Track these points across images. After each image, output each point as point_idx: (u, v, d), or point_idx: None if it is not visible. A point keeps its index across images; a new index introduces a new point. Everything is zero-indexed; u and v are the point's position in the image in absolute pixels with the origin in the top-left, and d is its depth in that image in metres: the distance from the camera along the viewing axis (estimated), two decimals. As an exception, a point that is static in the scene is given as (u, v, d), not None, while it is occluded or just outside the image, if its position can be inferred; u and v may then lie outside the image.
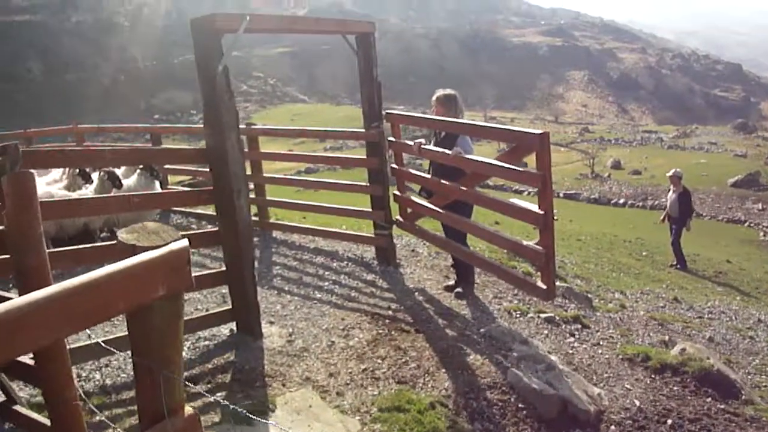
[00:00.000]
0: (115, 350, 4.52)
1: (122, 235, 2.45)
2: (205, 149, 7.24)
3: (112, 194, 10.44)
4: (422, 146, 9.31)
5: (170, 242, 2.40)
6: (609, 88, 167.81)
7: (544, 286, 7.65)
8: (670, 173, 20.22)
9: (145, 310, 2.37)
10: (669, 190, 20.47)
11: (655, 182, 57.84)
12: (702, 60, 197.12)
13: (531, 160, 7.57)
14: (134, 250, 2.36)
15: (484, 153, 10.22)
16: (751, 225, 48.99)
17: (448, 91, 9.26)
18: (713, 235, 25.07)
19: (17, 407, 4.26)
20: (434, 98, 9.27)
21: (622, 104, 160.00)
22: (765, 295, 18.62)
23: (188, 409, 2.71)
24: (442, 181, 9.02)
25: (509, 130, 8.35)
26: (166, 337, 2.49)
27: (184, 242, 2.42)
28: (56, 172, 12.19)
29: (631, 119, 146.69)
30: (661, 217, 21.23)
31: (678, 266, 19.90)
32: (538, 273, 8.19)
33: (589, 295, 11.00)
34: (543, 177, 7.17)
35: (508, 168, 7.86)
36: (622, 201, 55.57)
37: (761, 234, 45.66)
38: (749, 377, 9.93)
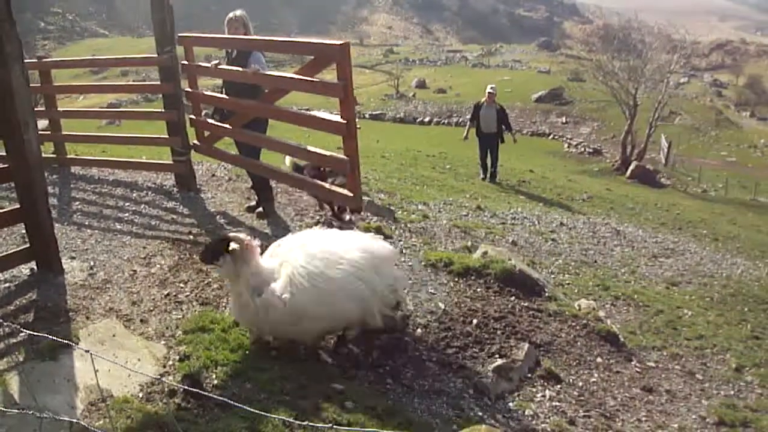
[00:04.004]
0: None
1: None
2: (-13, 82, 6.96)
3: None
4: (218, 66, 9.32)
5: None
6: (413, 10, 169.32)
7: (351, 194, 7.84)
8: (490, 89, 20.14)
9: None
10: (478, 107, 20.23)
11: (460, 100, 59.22)
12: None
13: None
14: None
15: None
16: (556, 137, 51.22)
17: (238, 12, 9.30)
18: (518, 148, 25.89)
19: None
20: (225, 20, 9.27)
21: (427, 25, 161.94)
22: (567, 201, 19.50)
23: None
24: (240, 101, 9.05)
25: (309, 42, 8.48)
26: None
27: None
28: None
29: (435, 40, 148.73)
30: (465, 134, 21.20)
31: (490, 179, 20.30)
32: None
33: (392, 208, 11.20)
34: (344, 86, 7.29)
35: (309, 80, 7.94)
36: (427, 119, 56.80)
37: (565, 146, 47.65)
38: (552, 276, 10.44)
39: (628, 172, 34.86)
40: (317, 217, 9.69)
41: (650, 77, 40.01)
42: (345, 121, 7.47)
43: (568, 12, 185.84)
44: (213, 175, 11.51)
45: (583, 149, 47.34)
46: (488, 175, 20.47)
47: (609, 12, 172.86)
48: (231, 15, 9.32)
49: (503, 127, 20.12)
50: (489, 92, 20.04)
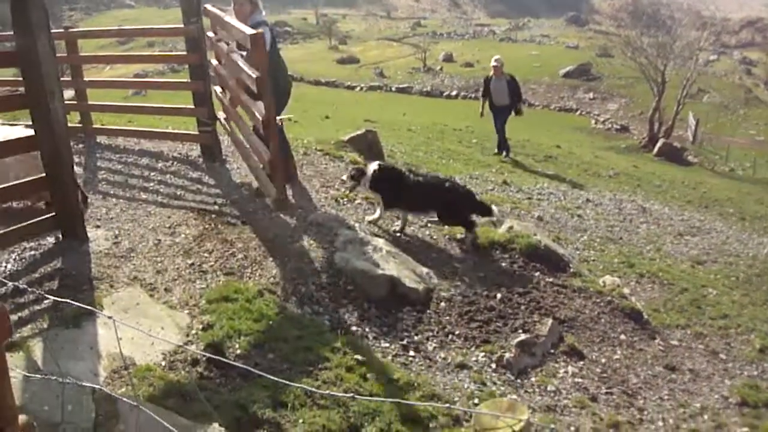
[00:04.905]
0: None
1: None
2: (13, 51, 6.96)
3: None
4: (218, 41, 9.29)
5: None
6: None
7: (276, 195, 7.79)
8: (494, 62, 18.97)
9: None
10: (488, 81, 19.27)
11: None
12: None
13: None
14: None
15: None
16: (583, 113, 50.92)
17: None
18: (545, 123, 25.62)
19: None
20: None
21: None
22: (593, 177, 19.35)
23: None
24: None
25: (237, 28, 8.22)
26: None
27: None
28: None
29: (463, 13, 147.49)
30: (481, 111, 19.79)
31: (505, 154, 19.71)
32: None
33: (418, 181, 11.15)
34: (258, 80, 7.04)
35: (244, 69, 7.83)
36: (454, 93, 56.53)
37: (593, 122, 47.36)
38: (577, 252, 10.38)
39: (656, 149, 34.63)
40: (342, 189, 9.64)
41: (679, 54, 39.77)
42: (265, 120, 7.24)
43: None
44: (238, 146, 11.46)
45: (610, 126, 47.05)
46: (504, 151, 19.73)
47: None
48: None
49: (515, 98, 19.09)
50: (494, 65, 18.95)
